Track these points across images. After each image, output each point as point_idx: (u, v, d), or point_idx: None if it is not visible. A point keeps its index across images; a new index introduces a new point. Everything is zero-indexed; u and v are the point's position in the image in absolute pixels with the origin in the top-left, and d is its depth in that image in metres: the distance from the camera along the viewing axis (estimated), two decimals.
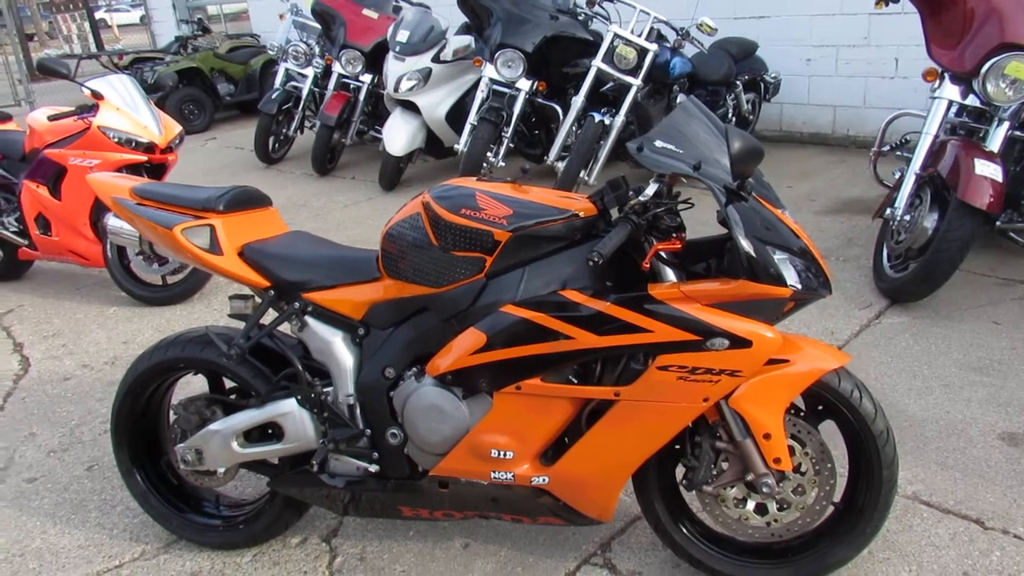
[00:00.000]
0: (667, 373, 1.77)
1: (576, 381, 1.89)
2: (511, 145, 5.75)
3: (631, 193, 1.80)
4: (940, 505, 2.35)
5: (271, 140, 7.24)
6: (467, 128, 5.68)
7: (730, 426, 1.88)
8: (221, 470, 2.23)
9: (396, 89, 6.02)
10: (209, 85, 9.52)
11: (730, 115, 6.16)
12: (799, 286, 1.74)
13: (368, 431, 2.06)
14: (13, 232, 4.49)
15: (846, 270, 4.08)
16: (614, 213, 1.87)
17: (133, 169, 4.12)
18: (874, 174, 4.30)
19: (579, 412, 1.92)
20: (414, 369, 1.98)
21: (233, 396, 2.29)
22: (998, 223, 3.86)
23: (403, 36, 6.07)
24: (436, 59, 6.09)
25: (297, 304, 2.07)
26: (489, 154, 5.59)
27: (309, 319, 2.07)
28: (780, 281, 1.73)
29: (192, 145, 8.48)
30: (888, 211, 3.73)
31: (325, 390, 2.08)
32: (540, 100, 5.77)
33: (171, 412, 2.34)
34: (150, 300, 4.28)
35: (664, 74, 5.49)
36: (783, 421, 1.87)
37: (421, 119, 6.12)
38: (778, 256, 1.74)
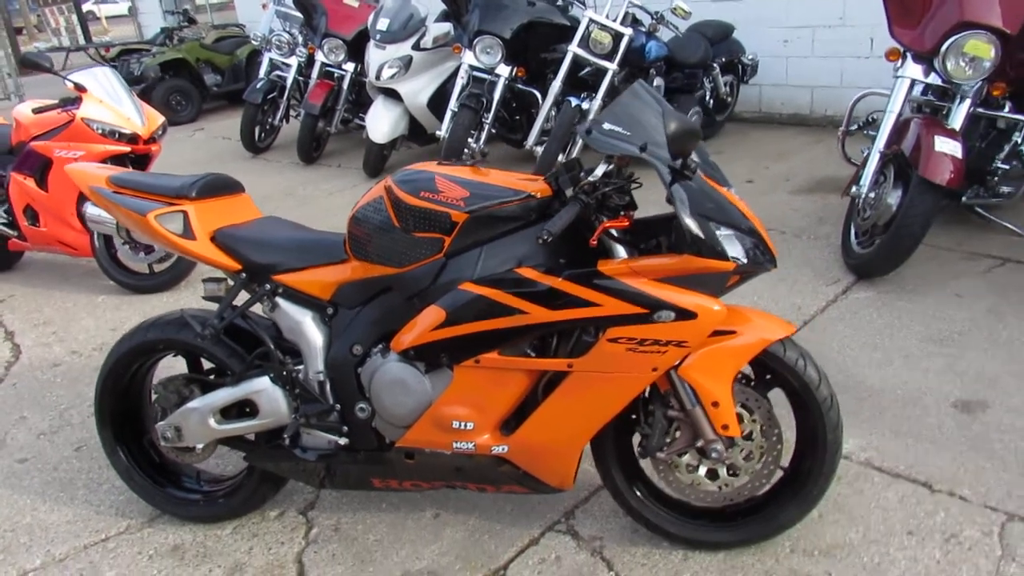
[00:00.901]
0: (617, 345, 1.87)
1: (533, 354, 1.98)
2: (492, 131, 5.81)
3: (583, 174, 1.89)
4: (891, 470, 2.45)
5: (257, 130, 7.29)
6: (448, 114, 5.73)
7: (680, 395, 1.97)
8: (200, 446, 2.33)
9: (378, 77, 6.07)
10: (196, 76, 9.54)
11: (708, 97, 6.22)
12: (742, 260, 1.83)
13: (338, 406, 2.15)
14: (2, 224, 4.56)
15: (816, 247, 4.17)
16: (569, 194, 1.95)
17: (118, 160, 4.19)
18: (842, 153, 4.37)
19: (536, 384, 2.01)
20: (380, 346, 2.08)
21: (211, 376, 2.38)
22: (964, 198, 3.96)
23: (383, 24, 6.12)
24: (416, 47, 6.14)
25: (268, 286, 2.16)
26: (470, 140, 5.64)
27: (280, 300, 2.16)
28: (723, 256, 1.81)
29: (180, 136, 8.52)
30: (854, 188, 3.81)
31: (296, 368, 2.17)
32: (519, 86, 5.81)
33: (152, 392, 2.43)
34: (138, 288, 4.36)
35: (640, 58, 5.54)
36: (732, 390, 1.97)
37: (403, 106, 6.19)
38: (722, 232, 1.82)
